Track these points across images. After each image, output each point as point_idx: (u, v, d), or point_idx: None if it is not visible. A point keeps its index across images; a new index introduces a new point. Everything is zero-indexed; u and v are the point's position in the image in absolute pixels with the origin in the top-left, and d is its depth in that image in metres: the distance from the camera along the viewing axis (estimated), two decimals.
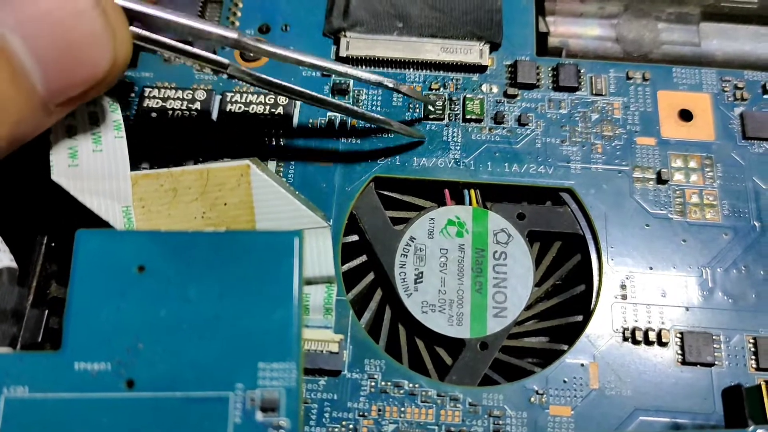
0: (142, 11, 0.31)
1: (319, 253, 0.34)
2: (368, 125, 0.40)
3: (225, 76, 0.34)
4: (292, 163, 0.39)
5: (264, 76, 0.34)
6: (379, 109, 0.40)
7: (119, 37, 0.28)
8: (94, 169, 0.32)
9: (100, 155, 0.32)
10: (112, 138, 0.33)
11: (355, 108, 0.38)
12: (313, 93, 0.36)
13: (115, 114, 0.34)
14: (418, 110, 0.40)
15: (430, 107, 0.40)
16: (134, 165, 0.34)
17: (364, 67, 0.41)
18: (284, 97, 0.39)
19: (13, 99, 0.27)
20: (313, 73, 0.41)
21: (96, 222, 0.33)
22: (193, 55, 0.32)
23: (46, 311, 0.34)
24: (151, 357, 0.26)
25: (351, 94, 0.41)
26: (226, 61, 0.33)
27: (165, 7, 0.42)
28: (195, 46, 0.33)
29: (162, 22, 0.31)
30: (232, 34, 0.32)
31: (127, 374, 0.26)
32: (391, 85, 0.37)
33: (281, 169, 0.38)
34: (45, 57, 0.26)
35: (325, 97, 0.36)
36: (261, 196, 0.34)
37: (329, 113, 0.40)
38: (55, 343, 0.27)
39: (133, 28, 0.30)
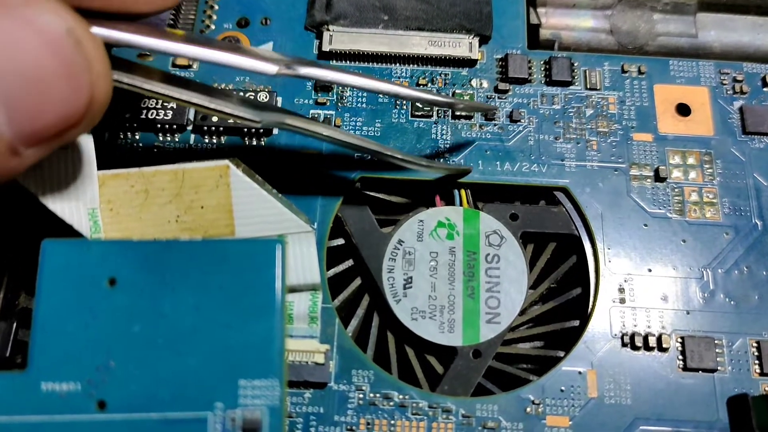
0: (168, 50, 0.27)
1: (303, 260, 0.32)
2: (354, 125, 0.38)
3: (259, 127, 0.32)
4: (275, 163, 0.37)
5: (306, 125, 0.32)
6: (364, 106, 0.39)
7: (96, 71, 0.24)
8: (57, 168, 0.30)
9: (63, 153, 0.30)
10: None
11: (398, 155, 0.34)
12: (355, 139, 0.33)
13: None
14: (405, 107, 0.39)
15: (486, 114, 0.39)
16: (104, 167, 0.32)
17: (353, 62, 0.40)
18: (265, 95, 0.37)
19: None
20: None
21: (67, 229, 0.31)
22: (222, 113, 0.29)
23: (15, 323, 0.33)
24: (123, 375, 0.26)
25: (334, 91, 0.39)
26: (257, 119, 0.30)
27: None
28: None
29: (190, 57, 0.28)
30: (272, 69, 0.28)
31: (98, 395, 0.25)
32: (445, 103, 0.36)
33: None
34: (9, 93, 0.23)
35: (363, 143, 0.33)
36: (241, 198, 0.32)
37: (312, 110, 0.38)
38: (27, 357, 0.26)
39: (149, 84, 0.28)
